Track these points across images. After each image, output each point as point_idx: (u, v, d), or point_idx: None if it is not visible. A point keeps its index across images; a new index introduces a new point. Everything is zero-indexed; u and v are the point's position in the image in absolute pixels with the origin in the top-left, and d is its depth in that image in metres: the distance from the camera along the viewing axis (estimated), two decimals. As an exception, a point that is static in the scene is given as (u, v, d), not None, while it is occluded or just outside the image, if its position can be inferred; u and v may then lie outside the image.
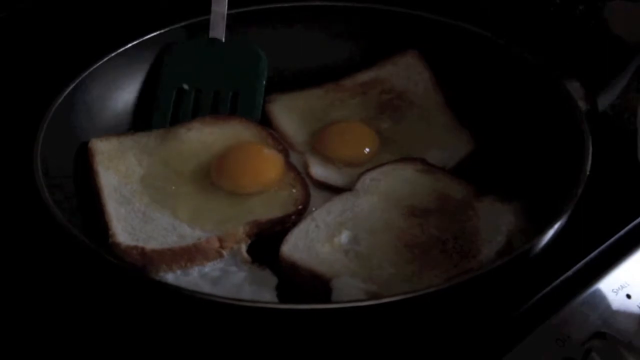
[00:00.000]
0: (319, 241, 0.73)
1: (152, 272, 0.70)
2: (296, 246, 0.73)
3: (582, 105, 0.80)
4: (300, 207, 0.76)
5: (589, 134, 0.74)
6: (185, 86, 0.88)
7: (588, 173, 0.71)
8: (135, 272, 0.70)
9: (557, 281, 0.70)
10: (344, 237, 0.74)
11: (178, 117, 0.87)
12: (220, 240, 0.72)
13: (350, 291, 0.68)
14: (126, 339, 0.68)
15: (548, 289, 0.69)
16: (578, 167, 0.72)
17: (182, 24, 0.91)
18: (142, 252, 0.71)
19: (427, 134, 0.85)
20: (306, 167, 0.82)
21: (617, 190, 0.77)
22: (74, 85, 0.83)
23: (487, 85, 0.87)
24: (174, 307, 0.66)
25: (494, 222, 0.73)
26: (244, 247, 0.73)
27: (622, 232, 0.74)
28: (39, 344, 0.68)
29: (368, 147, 0.83)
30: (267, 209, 0.76)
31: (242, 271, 0.71)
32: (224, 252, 0.72)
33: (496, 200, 0.76)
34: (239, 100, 0.88)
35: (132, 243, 0.71)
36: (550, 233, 0.67)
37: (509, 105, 0.85)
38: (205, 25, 0.90)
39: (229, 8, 0.89)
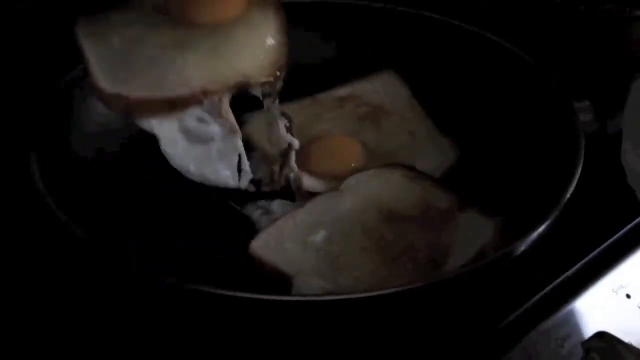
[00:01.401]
0: (292, 239, 0.73)
1: (134, 118, 0.72)
2: (267, 243, 0.72)
3: (591, 124, 0.80)
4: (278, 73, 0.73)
5: (581, 158, 0.73)
6: None
7: (566, 199, 0.69)
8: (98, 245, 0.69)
9: (557, 281, 0.70)
10: (319, 236, 0.73)
11: None
12: (204, 93, 0.71)
13: (310, 289, 0.67)
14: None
15: (548, 289, 0.69)
16: (560, 189, 0.70)
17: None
18: (126, 100, 0.71)
19: (412, 143, 0.85)
20: (298, 181, 0.80)
21: (618, 190, 0.77)
22: None
23: (484, 93, 0.87)
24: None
25: (471, 236, 0.72)
26: (226, 101, 0.72)
27: (621, 232, 0.75)
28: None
29: (354, 161, 0.82)
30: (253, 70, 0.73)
31: (216, 125, 0.72)
32: (205, 101, 0.71)
33: (478, 214, 0.74)
34: None
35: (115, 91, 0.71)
36: (518, 250, 0.66)
37: (507, 117, 0.84)
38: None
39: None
